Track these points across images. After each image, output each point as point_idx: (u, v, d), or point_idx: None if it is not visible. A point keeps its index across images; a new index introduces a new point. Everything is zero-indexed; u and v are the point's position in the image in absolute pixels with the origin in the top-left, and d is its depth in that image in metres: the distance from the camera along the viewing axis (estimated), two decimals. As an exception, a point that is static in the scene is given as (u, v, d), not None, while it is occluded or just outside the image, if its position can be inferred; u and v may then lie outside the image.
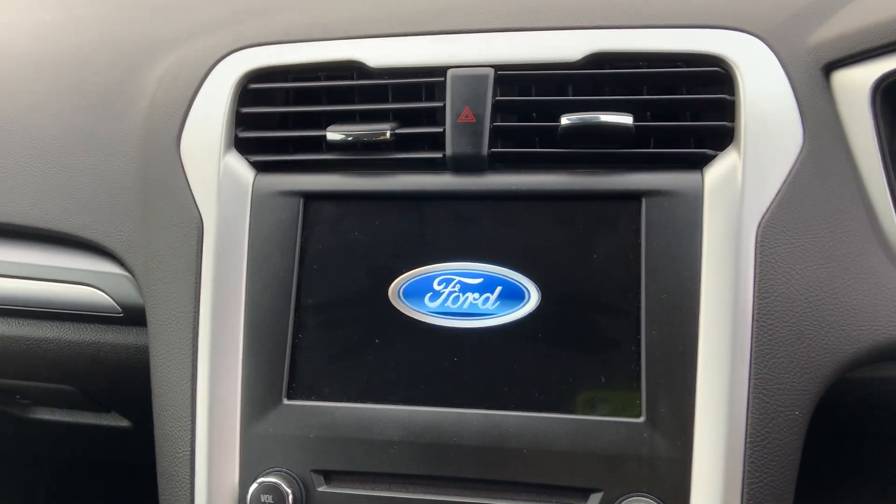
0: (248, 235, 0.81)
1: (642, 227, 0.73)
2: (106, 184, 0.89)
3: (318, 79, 0.84)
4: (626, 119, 0.74)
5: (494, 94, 0.77)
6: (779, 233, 0.70)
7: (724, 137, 0.74)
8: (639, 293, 0.72)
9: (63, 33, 1.10)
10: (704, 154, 0.74)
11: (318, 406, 0.77)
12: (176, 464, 0.79)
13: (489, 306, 0.76)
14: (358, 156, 0.81)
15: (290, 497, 0.74)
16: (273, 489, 0.74)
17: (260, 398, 0.78)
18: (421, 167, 0.79)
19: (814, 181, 0.72)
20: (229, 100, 0.84)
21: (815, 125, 0.72)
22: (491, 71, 0.77)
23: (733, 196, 0.71)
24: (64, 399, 1.06)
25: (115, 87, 0.95)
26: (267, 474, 0.76)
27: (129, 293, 0.89)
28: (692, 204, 0.72)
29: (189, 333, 0.79)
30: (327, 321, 0.79)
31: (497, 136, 0.78)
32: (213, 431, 0.77)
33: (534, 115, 0.79)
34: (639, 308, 0.72)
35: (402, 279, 0.78)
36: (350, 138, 0.80)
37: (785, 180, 0.71)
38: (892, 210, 0.72)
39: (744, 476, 0.68)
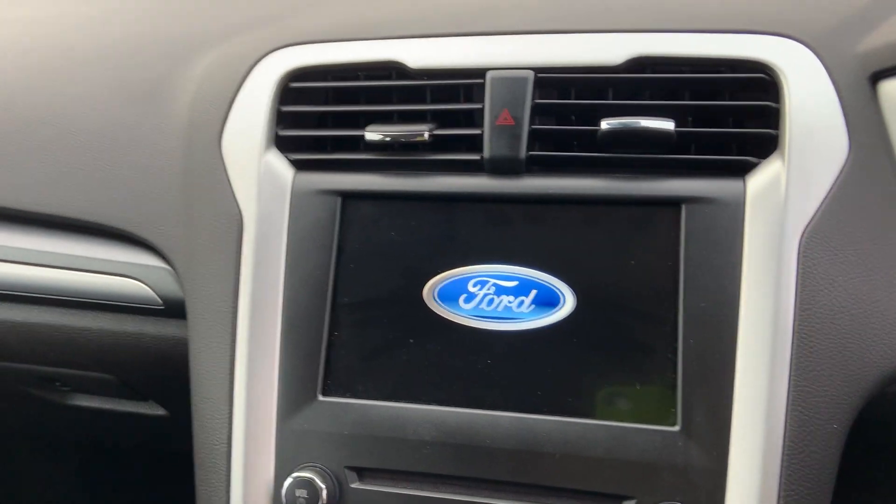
0: (286, 233, 0.82)
1: (681, 235, 0.72)
2: (149, 178, 0.90)
3: (357, 78, 0.85)
4: (668, 124, 0.73)
5: (534, 97, 0.77)
6: (822, 243, 0.69)
7: (767, 145, 0.73)
8: (676, 301, 0.72)
9: (109, 27, 1.11)
10: (747, 161, 0.73)
11: (353, 403, 0.78)
12: (213, 455, 0.81)
13: (524, 309, 0.76)
14: (396, 156, 0.81)
15: (325, 492, 0.75)
16: (307, 484, 0.76)
17: (295, 394, 0.79)
18: (458, 169, 0.79)
19: (859, 191, 0.70)
20: (271, 98, 0.85)
21: (860, 134, 0.71)
22: (531, 73, 0.77)
23: (776, 205, 0.70)
24: (102, 387, 1.09)
25: (160, 81, 0.96)
26: (301, 469, 0.77)
27: (171, 286, 0.90)
28: (733, 212, 0.71)
29: (228, 328, 0.81)
30: (362, 320, 0.80)
31: (535, 139, 0.78)
32: (249, 425, 0.79)
33: (573, 118, 0.79)
34: (676, 316, 0.71)
35: (437, 280, 0.78)
36: (388, 139, 0.80)
37: (829, 190, 0.70)
38: (939, 222, 0.70)
39: (780, 488, 0.67)
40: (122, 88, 0.97)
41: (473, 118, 0.80)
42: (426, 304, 0.78)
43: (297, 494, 0.75)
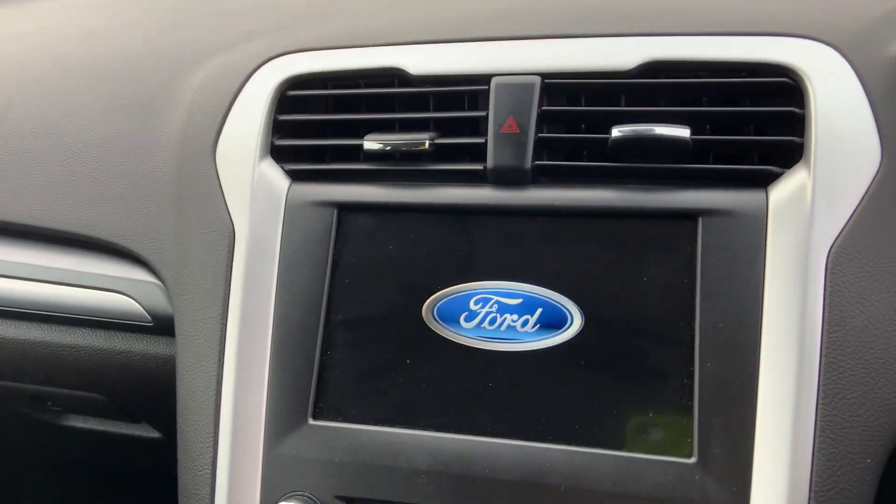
0: (279, 246, 0.78)
1: (698, 250, 0.67)
2: (141, 190, 0.87)
3: (357, 86, 0.81)
4: (683, 132, 0.68)
5: (540, 104, 0.73)
6: (852, 259, 0.64)
7: (791, 154, 0.68)
8: (693, 321, 0.66)
9: (109, 39, 1.10)
10: (770, 172, 0.68)
11: (345, 428, 0.73)
12: (196, 482, 0.76)
13: (528, 329, 0.71)
14: (396, 166, 0.77)
15: None
16: None
17: (285, 417, 0.74)
18: (461, 179, 0.75)
19: (892, 203, 0.65)
20: (267, 107, 0.81)
21: (894, 142, 0.66)
22: (537, 79, 0.73)
23: (801, 218, 0.64)
24: (94, 408, 1.05)
25: (156, 93, 0.93)
26: (289, 498, 0.72)
27: (160, 302, 0.86)
28: (755, 225, 0.66)
29: (216, 346, 0.77)
30: (357, 339, 0.75)
31: (542, 147, 0.73)
32: (235, 450, 0.74)
33: (582, 126, 0.74)
34: (692, 338, 0.66)
35: (436, 297, 0.73)
36: (388, 148, 0.76)
37: (860, 202, 0.64)
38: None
39: None
40: (117, 100, 0.94)
41: (477, 126, 0.76)
42: (425, 323, 0.73)
43: None
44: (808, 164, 0.66)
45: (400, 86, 0.79)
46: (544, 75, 0.73)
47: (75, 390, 0.99)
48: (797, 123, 0.68)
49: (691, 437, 0.65)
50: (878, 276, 0.63)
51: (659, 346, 0.68)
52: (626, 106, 0.73)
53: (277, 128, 0.82)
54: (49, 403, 1.06)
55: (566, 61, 0.73)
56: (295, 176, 0.80)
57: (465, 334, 0.72)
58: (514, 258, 0.72)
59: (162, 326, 0.87)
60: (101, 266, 0.89)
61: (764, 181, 0.68)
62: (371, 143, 0.77)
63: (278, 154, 0.81)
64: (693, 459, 0.64)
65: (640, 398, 0.67)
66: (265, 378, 0.75)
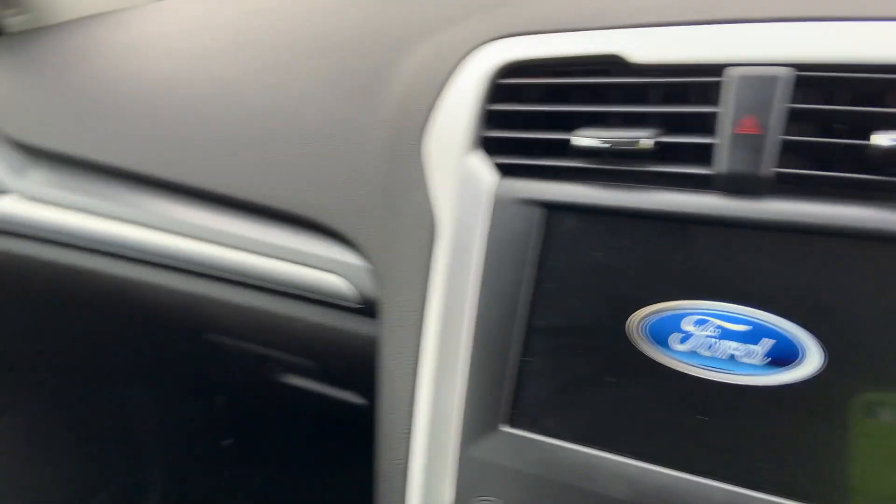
0: (482, 243, 0.75)
1: None
2: (355, 175, 0.89)
3: (571, 73, 0.75)
4: None
5: (790, 101, 0.62)
6: None
7: None
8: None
9: (335, 16, 1.12)
10: None
11: (538, 440, 0.70)
12: (392, 469, 0.78)
13: (754, 361, 0.62)
14: (611, 165, 0.71)
15: None
16: None
17: (479, 419, 0.73)
18: (684, 183, 0.67)
19: None
20: (478, 95, 0.78)
21: None
22: (788, 71, 0.62)
23: None
24: (308, 372, 1.12)
25: (373, 75, 0.94)
26: (481, 502, 0.71)
27: (370, 285, 0.88)
28: None
29: (415, 339, 0.77)
30: (557, 347, 0.71)
31: (787, 152, 0.63)
32: (430, 446, 0.74)
33: (837, 129, 0.62)
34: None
35: (646, 312, 0.67)
36: (604, 144, 0.70)
37: None
38: None
39: None
40: (338, 83, 0.96)
41: (707, 124, 0.67)
42: (631, 339, 0.67)
43: None
44: None
45: (618, 75, 0.72)
46: (799, 66, 0.62)
47: (292, 356, 1.06)
48: None
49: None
50: None
51: (920, 401, 0.56)
52: (889, 107, 0.60)
53: (488, 118, 0.78)
54: (270, 364, 1.15)
55: (826, 50, 0.61)
56: (504, 170, 0.77)
57: (676, 357, 0.65)
58: (742, 277, 0.63)
59: (371, 309, 0.89)
60: (316, 246, 0.93)
61: None
62: (583, 139, 0.71)
63: (487, 146, 0.78)
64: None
65: (886, 458, 0.57)
66: (461, 377, 0.74)
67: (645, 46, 0.69)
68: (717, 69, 0.65)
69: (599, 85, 0.73)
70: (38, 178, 1.17)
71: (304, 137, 0.95)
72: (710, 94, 0.66)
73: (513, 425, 0.72)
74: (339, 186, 0.90)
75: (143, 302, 1.12)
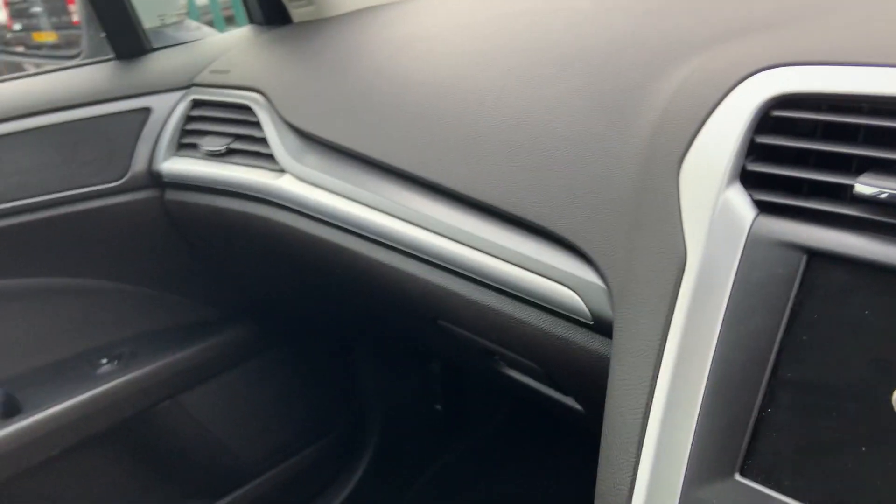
0: (732, 283, 0.72)
1: None
2: (603, 193, 0.89)
3: (857, 111, 0.69)
4: None
5: None
6: None
7: None
8: None
9: (594, 26, 1.12)
10: None
11: (772, 497, 0.67)
12: (613, 494, 0.78)
13: None
14: (889, 217, 0.65)
15: None
16: None
17: (709, 463, 0.71)
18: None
19: None
20: (745, 125, 0.75)
21: None
22: None
23: None
24: (531, 373, 1.15)
25: (632, 91, 0.93)
26: None
27: (603, 304, 0.89)
28: None
29: (650, 371, 0.76)
30: (805, 404, 0.67)
31: None
32: (653, 481, 0.74)
33: None
34: None
35: (918, 385, 0.61)
36: (887, 196, 0.64)
37: None
38: None
39: None
40: (593, 97, 0.97)
41: None
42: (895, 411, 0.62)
43: None
44: None
45: None
46: None
47: (517, 355, 1.10)
48: None
49: None
50: None
51: None
52: None
53: (752, 150, 0.75)
54: (496, 357, 1.21)
55: None
56: (763, 207, 0.73)
57: (949, 440, 0.59)
58: None
59: (601, 327, 0.90)
60: (552, 256, 0.94)
61: None
62: (865, 187, 0.65)
63: (748, 180, 0.75)
64: None
65: None
66: (694, 417, 0.73)
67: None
68: None
69: (889, 129, 0.66)
70: (312, 163, 1.31)
71: (554, 149, 0.97)
72: None
73: (746, 475, 0.69)
74: (584, 202, 0.91)
75: (387, 281, 1.22)
